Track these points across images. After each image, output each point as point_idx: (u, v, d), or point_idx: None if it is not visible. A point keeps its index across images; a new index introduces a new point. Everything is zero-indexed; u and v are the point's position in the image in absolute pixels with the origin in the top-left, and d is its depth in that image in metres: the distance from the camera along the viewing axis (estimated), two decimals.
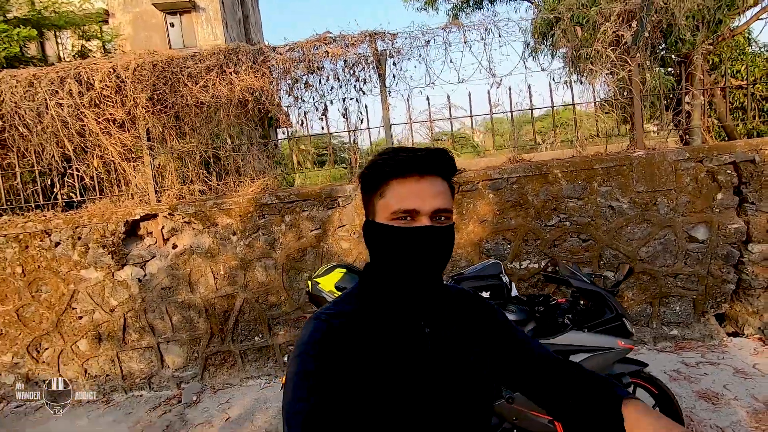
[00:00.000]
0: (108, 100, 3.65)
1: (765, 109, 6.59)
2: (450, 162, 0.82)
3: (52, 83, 3.61)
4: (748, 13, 4.91)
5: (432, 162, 0.79)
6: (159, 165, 3.95)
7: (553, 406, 0.89)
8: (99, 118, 3.67)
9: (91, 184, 3.96)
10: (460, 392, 0.85)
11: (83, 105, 3.60)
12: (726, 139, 5.26)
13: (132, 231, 3.83)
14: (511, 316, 2.24)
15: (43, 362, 3.88)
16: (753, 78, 6.17)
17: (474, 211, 3.65)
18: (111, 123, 3.72)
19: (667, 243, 3.54)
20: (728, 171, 3.47)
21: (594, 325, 2.17)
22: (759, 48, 6.98)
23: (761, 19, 4.94)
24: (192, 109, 3.73)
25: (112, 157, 3.80)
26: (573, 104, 3.74)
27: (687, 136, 4.47)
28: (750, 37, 6.74)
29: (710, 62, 6.11)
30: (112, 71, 3.58)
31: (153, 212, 3.75)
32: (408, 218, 0.78)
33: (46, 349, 3.87)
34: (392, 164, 0.78)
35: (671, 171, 3.47)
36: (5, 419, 3.61)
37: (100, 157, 3.85)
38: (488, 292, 2.23)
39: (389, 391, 0.78)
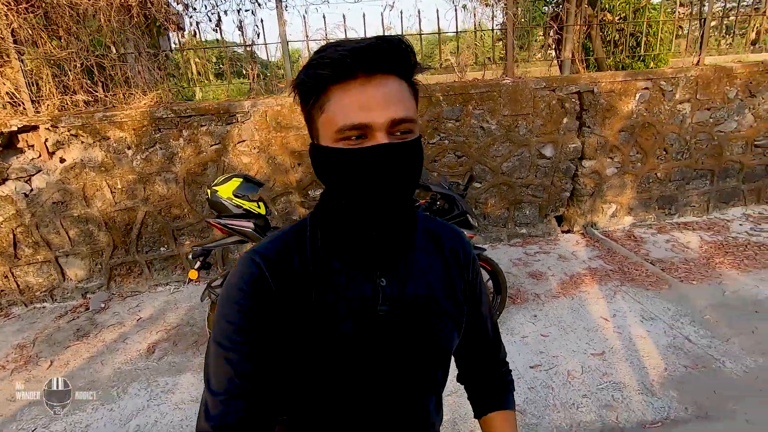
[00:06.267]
0: None
1: (630, 44, 7.58)
2: (407, 53, 0.60)
3: None
4: None
5: (381, 55, 0.58)
6: (32, 72, 3.64)
7: (463, 373, 0.93)
8: None
9: None
10: (413, 363, 0.73)
11: None
12: (597, 69, 6.05)
13: (9, 144, 3.61)
14: None
15: None
16: (623, 14, 6.99)
17: None
18: None
19: (523, 159, 4.29)
20: (573, 99, 4.20)
21: (444, 219, 2.77)
22: None
23: None
24: (65, 10, 3.41)
25: None
26: (456, 32, 4.11)
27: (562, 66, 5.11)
28: None
29: None
30: None
31: (32, 123, 3.54)
32: (359, 137, 0.59)
33: None
34: (329, 63, 0.57)
35: (531, 98, 4.11)
36: None
37: None
38: None
39: (325, 357, 0.67)
